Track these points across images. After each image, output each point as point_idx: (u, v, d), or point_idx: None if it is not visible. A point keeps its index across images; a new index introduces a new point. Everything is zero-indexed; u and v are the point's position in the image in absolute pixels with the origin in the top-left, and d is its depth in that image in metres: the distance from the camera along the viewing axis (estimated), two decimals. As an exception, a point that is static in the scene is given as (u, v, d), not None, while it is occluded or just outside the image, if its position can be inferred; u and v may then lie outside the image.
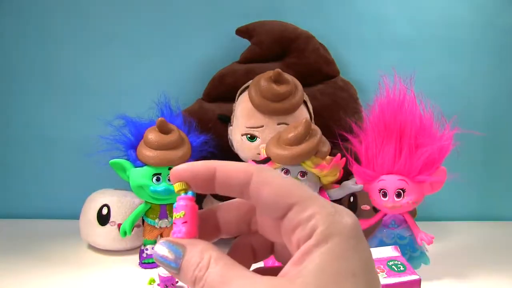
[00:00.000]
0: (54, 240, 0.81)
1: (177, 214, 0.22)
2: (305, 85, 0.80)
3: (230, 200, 0.25)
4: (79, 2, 0.90)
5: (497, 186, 1.01)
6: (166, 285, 0.62)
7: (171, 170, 0.23)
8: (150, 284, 0.64)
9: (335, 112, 0.85)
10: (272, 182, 0.22)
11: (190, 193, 0.23)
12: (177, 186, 0.23)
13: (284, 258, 0.25)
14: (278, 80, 0.73)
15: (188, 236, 0.22)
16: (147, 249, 0.72)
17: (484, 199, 1.01)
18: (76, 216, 0.80)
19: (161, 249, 0.22)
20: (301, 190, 0.21)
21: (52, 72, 0.92)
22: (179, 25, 0.91)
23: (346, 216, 0.21)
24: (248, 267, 0.23)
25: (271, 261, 0.72)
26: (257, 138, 0.76)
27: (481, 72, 0.96)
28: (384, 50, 0.93)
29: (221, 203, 0.25)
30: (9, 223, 0.91)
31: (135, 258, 0.74)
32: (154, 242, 0.73)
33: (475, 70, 0.96)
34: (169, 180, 0.70)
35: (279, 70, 0.73)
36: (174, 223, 0.22)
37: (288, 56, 0.87)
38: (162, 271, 0.62)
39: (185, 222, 0.22)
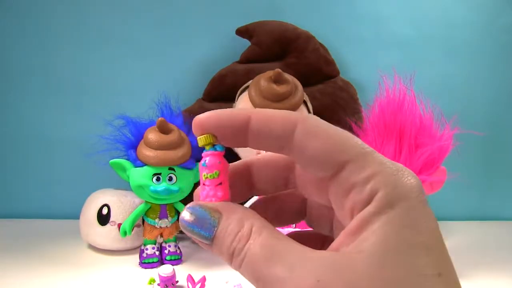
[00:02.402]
0: (54, 240, 0.81)
1: (210, 174, 0.19)
2: (305, 85, 0.80)
3: (267, 153, 0.21)
4: (79, 2, 0.90)
5: (497, 186, 1.01)
6: (166, 285, 0.62)
7: (194, 119, 0.20)
8: (150, 284, 0.64)
9: (335, 112, 0.85)
10: (321, 133, 0.18)
11: (219, 148, 0.19)
12: (202, 140, 0.19)
13: (320, 223, 0.22)
14: (278, 80, 0.73)
15: (223, 201, 0.19)
16: (147, 249, 0.72)
17: (484, 199, 1.01)
18: (76, 216, 0.80)
19: (190, 215, 0.18)
20: (356, 143, 0.18)
21: (52, 72, 0.92)
22: (179, 25, 0.91)
23: (410, 176, 0.17)
24: None
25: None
26: (257, 138, 0.76)
27: (481, 72, 0.96)
28: (384, 50, 0.93)
29: (256, 156, 0.21)
30: (9, 223, 0.91)
31: (135, 258, 0.74)
32: (154, 242, 0.73)
33: (475, 70, 0.96)
34: (169, 180, 0.70)
35: (279, 70, 0.73)
36: (204, 184, 0.19)
37: (288, 56, 0.87)
38: (162, 271, 0.62)
39: (220, 184, 0.19)
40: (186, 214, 0.18)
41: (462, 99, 0.95)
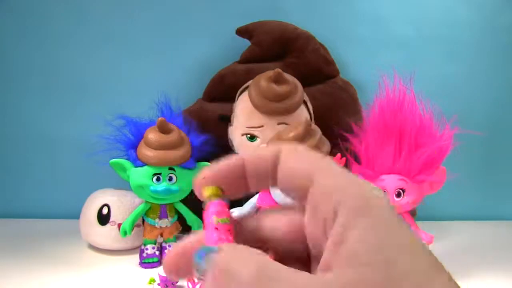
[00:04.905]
0: (54, 240, 0.81)
1: (221, 219, 0.19)
2: (305, 85, 0.80)
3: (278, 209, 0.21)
4: (79, 2, 0.90)
5: (497, 186, 1.01)
6: (166, 285, 0.62)
7: (195, 181, 0.20)
8: (150, 284, 0.64)
9: (335, 112, 0.85)
10: (292, 159, 0.18)
11: (225, 200, 0.20)
12: (208, 190, 0.20)
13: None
14: (278, 80, 0.73)
15: None
16: (147, 249, 0.72)
17: (484, 199, 1.01)
18: (76, 216, 0.80)
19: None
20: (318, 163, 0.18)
21: (52, 72, 0.92)
22: (179, 25, 0.91)
23: (373, 188, 0.17)
24: None
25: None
26: (257, 138, 0.76)
27: (481, 72, 0.96)
28: (384, 50, 0.93)
29: (268, 211, 0.21)
30: (9, 223, 0.91)
31: (135, 258, 0.74)
32: (154, 242, 0.73)
33: (475, 70, 0.96)
34: (169, 180, 0.70)
35: (279, 70, 0.73)
36: (216, 228, 0.19)
37: (288, 56, 0.87)
38: (162, 271, 0.62)
39: (229, 230, 0.19)
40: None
41: (462, 99, 0.95)
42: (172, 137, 0.70)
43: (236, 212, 0.69)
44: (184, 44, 0.92)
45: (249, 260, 0.16)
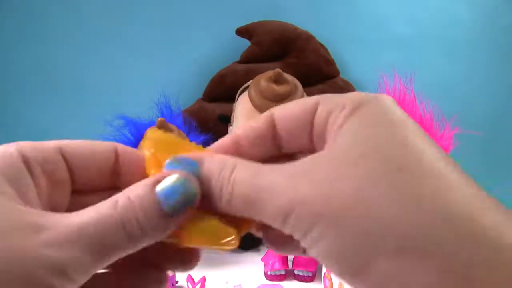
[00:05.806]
0: (54, 240, 0.81)
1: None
2: (305, 85, 0.80)
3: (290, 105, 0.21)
4: (79, 2, 0.90)
5: (497, 186, 1.01)
6: (166, 285, 0.62)
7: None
8: (150, 284, 0.64)
9: (335, 112, 0.85)
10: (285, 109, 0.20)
11: None
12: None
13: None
14: (278, 80, 0.73)
15: None
16: (147, 249, 0.72)
17: (484, 199, 1.01)
18: (76, 216, 0.80)
19: (171, 166, 0.18)
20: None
21: (52, 72, 0.92)
22: (179, 25, 0.91)
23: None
24: None
25: (271, 262, 0.71)
26: (257, 138, 0.76)
27: (481, 72, 0.96)
28: (384, 50, 0.93)
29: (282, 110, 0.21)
30: (9, 223, 0.91)
31: (135, 258, 0.74)
32: (154, 242, 0.73)
33: (475, 70, 0.96)
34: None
35: (279, 70, 0.73)
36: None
37: (288, 56, 0.87)
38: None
39: None
40: (168, 167, 0.18)
41: (462, 99, 0.95)
42: (172, 137, 0.70)
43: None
44: (184, 44, 0.92)
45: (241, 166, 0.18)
